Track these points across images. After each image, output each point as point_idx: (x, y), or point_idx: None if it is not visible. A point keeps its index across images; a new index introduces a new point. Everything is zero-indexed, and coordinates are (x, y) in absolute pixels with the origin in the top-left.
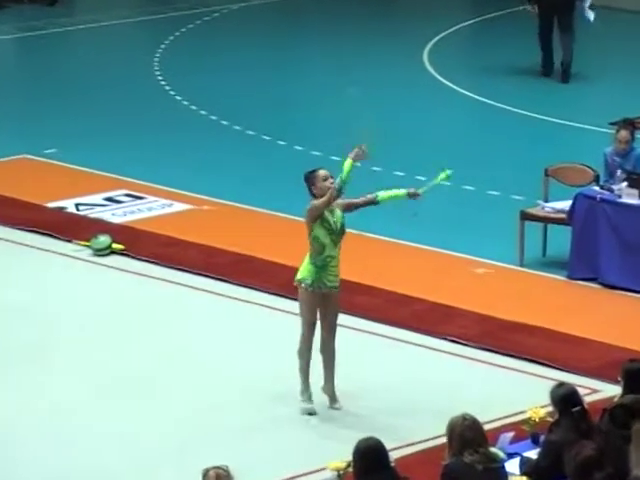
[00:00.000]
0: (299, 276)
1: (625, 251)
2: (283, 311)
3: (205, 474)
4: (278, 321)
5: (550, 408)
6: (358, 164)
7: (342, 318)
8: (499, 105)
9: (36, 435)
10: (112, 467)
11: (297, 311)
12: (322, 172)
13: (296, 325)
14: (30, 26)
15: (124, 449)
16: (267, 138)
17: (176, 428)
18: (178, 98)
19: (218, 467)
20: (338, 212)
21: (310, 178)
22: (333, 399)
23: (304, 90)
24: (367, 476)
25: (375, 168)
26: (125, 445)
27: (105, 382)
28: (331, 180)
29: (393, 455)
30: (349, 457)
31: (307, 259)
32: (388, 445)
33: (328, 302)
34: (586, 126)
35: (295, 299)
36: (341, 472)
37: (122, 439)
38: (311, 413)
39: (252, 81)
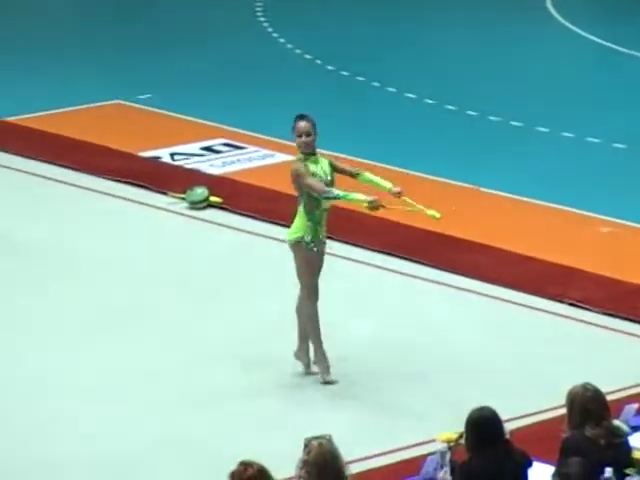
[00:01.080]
0: (296, 234)
1: None
2: (391, 270)
3: (307, 444)
4: (382, 280)
5: None
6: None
7: (450, 278)
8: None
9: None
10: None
11: (404, 270)
12: (302, 124)
13: (404, 285)
14: None
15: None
16: (376, 84)
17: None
18: (282, 41)
19: (321, 437)
20: (325, 163)
21: (293, 126)
22: (309, 365)
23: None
24: (481, 449)
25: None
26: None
27: (204, 343)
28: (305, 139)
29: (508, 427)
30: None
31: (301, 217)
32: (502, 416)
33: (321, 261)
34: None
35: (400, 256)
36: (452, 444)
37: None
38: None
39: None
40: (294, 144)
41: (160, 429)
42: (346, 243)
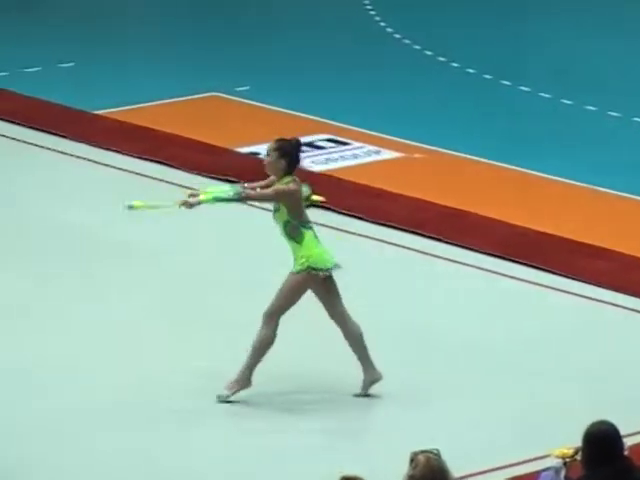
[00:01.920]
0: (307, 263)
1: None
2: (498, 273)
3: (413, 458)
4: (493, 285)
5: None
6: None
7: (569, 284)
8: None
9: None
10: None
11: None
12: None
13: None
14: None
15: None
16: (488, 77)
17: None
18: (389, 30)
19: (428, 451)
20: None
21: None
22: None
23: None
24: (598, 466)
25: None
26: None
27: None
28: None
29: (627, 442)
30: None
31: (295, 246)
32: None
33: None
34: None
35: (513, 260)
36: (567, 460)
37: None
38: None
39: (475, 15)
40: (400, 140)
41: None
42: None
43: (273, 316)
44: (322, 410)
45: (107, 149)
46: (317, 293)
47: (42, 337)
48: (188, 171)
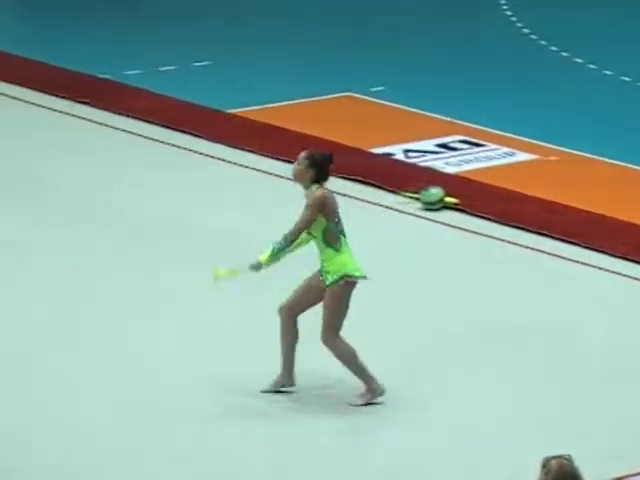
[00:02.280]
0: (342, 272)
1: None
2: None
3: (545, 464)
4: (626, 288)
5: None
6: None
7: None
8: None
9: None
10: None
11: None
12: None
13: None
14: None
15: None
16: (627, 79)
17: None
18: (525, 31)
19: (561, 456)
20: None
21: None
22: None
23: None
24: None
25: None
26: None
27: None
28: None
29: None
30: None
31: (332, 255)
32: None
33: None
34: None
35: None
36: None
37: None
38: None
39: (613, 15)
40: (536, 142)
41: None
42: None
43: (333, 339)
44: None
45: (241, 149)
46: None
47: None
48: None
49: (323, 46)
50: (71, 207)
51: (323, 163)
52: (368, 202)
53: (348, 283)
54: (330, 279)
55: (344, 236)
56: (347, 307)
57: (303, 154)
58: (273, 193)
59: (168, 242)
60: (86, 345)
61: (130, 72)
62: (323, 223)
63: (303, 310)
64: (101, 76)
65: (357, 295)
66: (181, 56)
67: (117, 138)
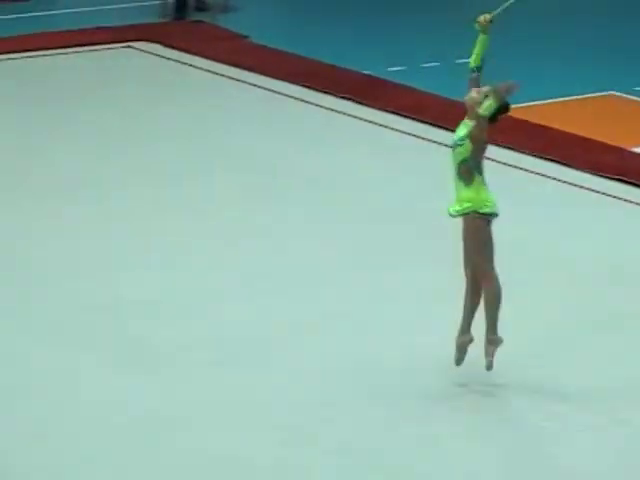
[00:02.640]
0: (474, 207)
1: None
2: None
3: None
4: None
5: None
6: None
7: None
8: None
9: None
10: None
11: None
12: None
13: None
14: None
15: None
16: None
17: None
18: None
19: None
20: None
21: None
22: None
23: None
24: None
25: None
26: None
27: None
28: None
29: None
30: None
31: (478, 185)
32: None
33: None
34: None
35: None
36: None
37: None
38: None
39: None
40: None
41: None
42: None
43: (487, 271)
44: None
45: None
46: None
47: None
48: (588, 171)
49: (592, 44)
50: (339, 204)
51: (503, 107)
52: (630, 202)
53: (478, 218)
54: (459, 210)
55: (480, 174)
56: (491, 241)
57: (488, 89)
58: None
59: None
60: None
61: (393, 69)
62: (465, 152)
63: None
64: (364, 72)
65: None
66: (444, 54)
67: (381, 135)
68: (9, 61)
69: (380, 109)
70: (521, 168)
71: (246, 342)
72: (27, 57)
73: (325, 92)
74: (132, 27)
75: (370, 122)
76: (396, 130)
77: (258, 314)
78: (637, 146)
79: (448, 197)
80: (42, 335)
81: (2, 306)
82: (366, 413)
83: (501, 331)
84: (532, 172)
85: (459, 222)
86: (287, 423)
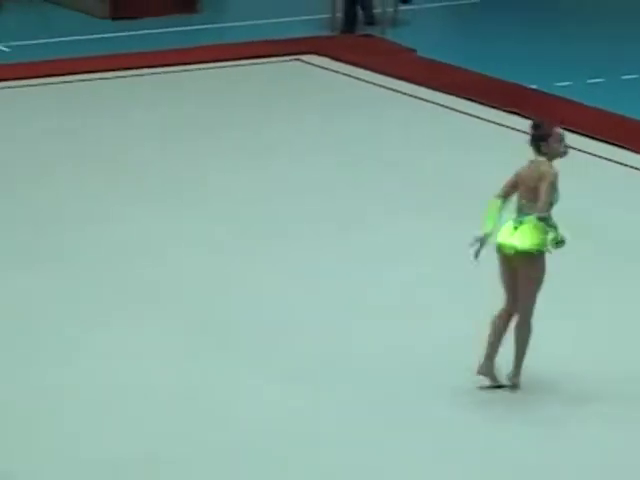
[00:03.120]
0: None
1: None
2: None
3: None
4: None
5: None
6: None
7: None
8: None
9: None
10: None
11: None
12: (559, 130)
13: None
14: None
15: None
16: None
17: None
18: None
19: None
20: None
21: (548, 132)
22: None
23: None
24: None
25: None
26: None
27: None
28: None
29: None
30: None
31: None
32: None
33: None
34: None
35: None
36: None
37: None
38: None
39: None
40: None
41: None
42: None
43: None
44: None
45: None
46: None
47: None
48: None
49: None
50: None
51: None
52: None
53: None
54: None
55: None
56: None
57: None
58: None
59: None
60: None
61: (560, 84)
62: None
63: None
64: (531, 87)
65: None
66: (610, 70)
67: None
68: (176, 73)
69: None
70: None
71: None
72: (196, 69)
73: (491, 106)
74: (301, 40)
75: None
76: None
77: None
78: None
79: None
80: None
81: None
82: None
83: None
84: None
85: None
86: None
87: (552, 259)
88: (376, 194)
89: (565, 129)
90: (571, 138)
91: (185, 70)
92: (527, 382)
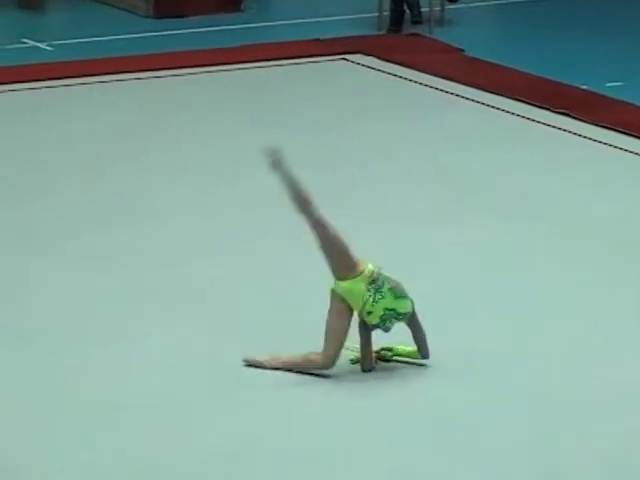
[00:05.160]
0: None
1: None
2: None
3: None
4: None
5: None
6: None
7: None
8: None
9: None
10: None
11: None
12: None
13: None
14: None
15: None
16: None
17: None
18: None
19: None
20: None
21: None
22: None
23: None
24: None
25: None
26: None
27: None
28: None
29: None
30: None
31: None
32: None
33: None
34: None
35: None
36: None
37: None
38: None
39: None
40: None
41: None
42: None
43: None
44: None
45: None
46: None
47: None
48: None
49: None
50: (555, 220)
51: None
52: None
53: None
54: None
55: None
56: None
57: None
58: None
59: None
60: None
61: (611, 84)
62: None
63: None
64: (582, 87)
65: None
66: None
67: (595, 150)
68: (223, 72)
69: (595, 124)
70: None
71: None
72: (241, 69)
73: (541, 107)
74: (347, 39)
75: (585, 138)
76: (609, 145)
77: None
78: None
79: None
80: None
81: None
82: None
83: None
84: None
85: None
86: None
87: None
88: (423, 194)
89: (618, 131)
90: (624, 140)
91: (227, 70)
92: None
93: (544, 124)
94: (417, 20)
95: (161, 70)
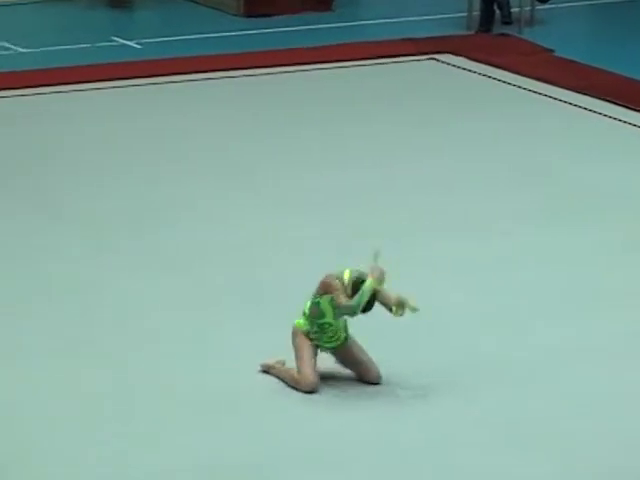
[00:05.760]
0: None
1: None
2: None
3: None
4: None
5: None
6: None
7: None
8: None
9: None
10: None
11: None
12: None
13: None
14: None
15: None
16: None
17: None
18: None
19: None
20: None
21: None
22: None
23: None
24: None
25: None
26: None
27: None
28: None
29: None
30: None
31: None
32: None
33: None
34: None
35: None
36: None
37: None
38: None
39: None
40: None
41: None
42: None
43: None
44: None
45: None
46: None
47: None
48: None
49: None
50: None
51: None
52: None
53: None
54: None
55: None
56: None
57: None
58: None
59: None
60: None
61: None
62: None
63: None
64: None
65: None
66: None
67: None
68: (311, 72)
69: None
70: None
71: None
72: (331, 68)
73: (628, 107)
74: (437, 39)
75: None
76: None
77: None
78: None
79: None
80: None
81: None
82: None
83: None
84: None
85: None
86: None
87: None
88: (509, 196)
89: None
90: None
91: (319, 69)
92: None
93: (631, 124)
94: (507, 20)
95: (251, 69)
